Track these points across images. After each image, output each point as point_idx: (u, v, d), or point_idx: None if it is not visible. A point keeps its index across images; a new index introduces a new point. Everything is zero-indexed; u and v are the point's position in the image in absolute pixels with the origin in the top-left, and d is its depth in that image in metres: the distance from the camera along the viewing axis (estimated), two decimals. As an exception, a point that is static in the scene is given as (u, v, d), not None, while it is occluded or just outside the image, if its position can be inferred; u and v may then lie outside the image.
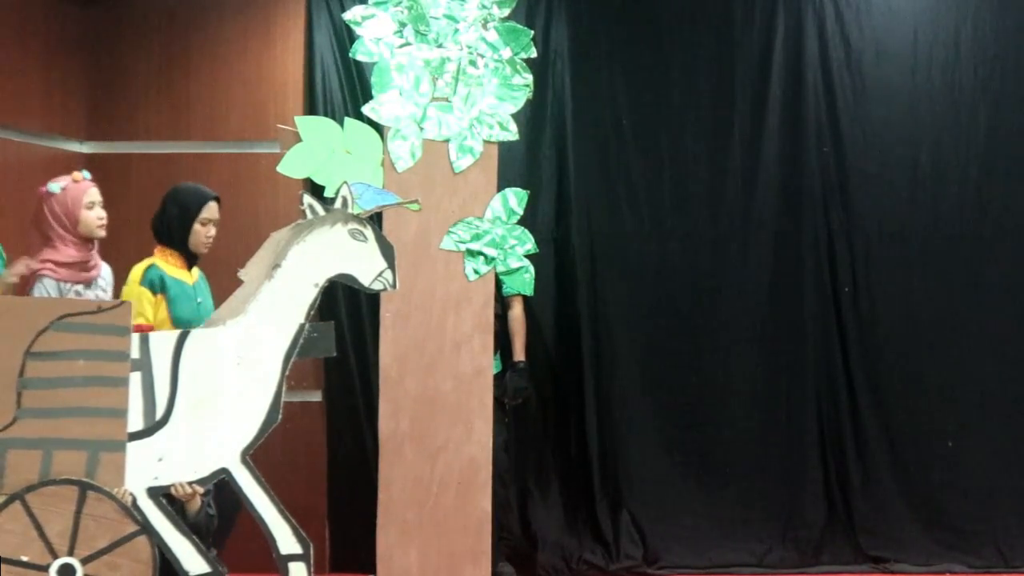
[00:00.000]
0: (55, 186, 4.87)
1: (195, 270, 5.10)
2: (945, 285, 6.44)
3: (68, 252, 4.84)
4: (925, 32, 6.47)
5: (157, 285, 4.92)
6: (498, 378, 5.79)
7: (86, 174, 4.98)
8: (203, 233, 4.99)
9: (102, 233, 4.93)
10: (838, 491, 6.41)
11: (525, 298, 5.94)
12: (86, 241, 4.89)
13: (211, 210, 5.01)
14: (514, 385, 5.89)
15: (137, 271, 4.94)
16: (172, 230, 4.98)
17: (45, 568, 3.98)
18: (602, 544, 6.37)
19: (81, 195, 4.87)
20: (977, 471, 6.39)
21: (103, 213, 4.93)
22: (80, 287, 4.87)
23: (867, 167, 6.45)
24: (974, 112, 6.45)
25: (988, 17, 6.46)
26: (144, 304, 4.84)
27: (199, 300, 5.00)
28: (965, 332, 6.44)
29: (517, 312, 6.00)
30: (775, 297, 6.46)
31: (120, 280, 5.04)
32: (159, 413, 4.17)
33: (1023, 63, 6.45)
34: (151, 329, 4.73)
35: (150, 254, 5.03)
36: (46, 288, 4.77)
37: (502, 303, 5.90)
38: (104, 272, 5.03)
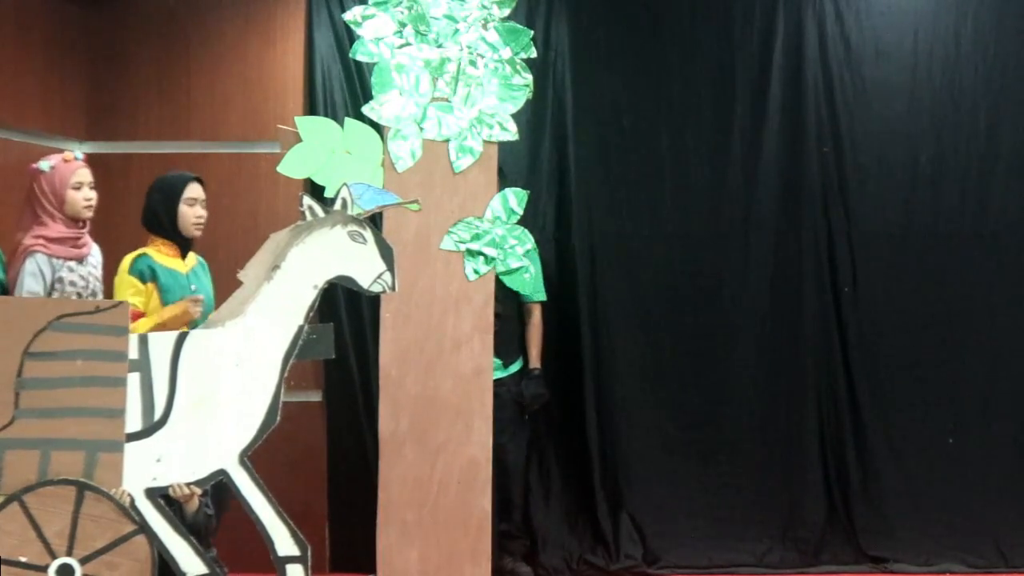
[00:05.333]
0: (45, 164, 4.89)
1: (193, 256, 5.13)
2: (945, 285, 6.44)
3: (58, 228, 4.85)
4: (925, 32, 6.46)
5: (147, 274, 4.97)
6: (507, 381, 5.85)
7: (78, 154, 4.98)
8: (191, 214, 5.00)
9: (88, 214, 4.92)
10: (838, 491, 6.41)
11: (512, 294, 5.93)
12: (75, 220, 4.90)
13: (194, 190, 5.01)
14: (531, 392, 5.95)
15: (126, 260, 5.00)
16: (159, 216, 5.01)
17: (44, 568, 3.98)
18: (602, 544, 6.36)
19: (69, 175, 4.87)
20: (977, 471, 6.39)
21: (91, 194, 4.92)
22: (72, 263, 4.87)
23: (867, 167, 6.45)
24: (974, 112, 6.44)
25: (988, 16, 6.45)
26: (127, 292, 4.92)
27: (193, 288, 5.01)
28: (965, 331, 6.44)
29: (536, 320, 6.07)
30: (775, 297, 6.45)
31: (113, 271, 5.07)
32: (157, 414, 4.17)
33: (1023, 63, 6.45)
34: (142, 315, 4.82)
35: (149, 252, 5.12)
36: (38, 263, 4.78)
37: (519, 310, 5.95)
38: (94, 251, 5.03)
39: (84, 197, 4.90)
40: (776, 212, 6.47)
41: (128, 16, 6.35)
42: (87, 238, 4.99)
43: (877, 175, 6.45)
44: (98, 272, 5.03)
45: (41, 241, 4.83)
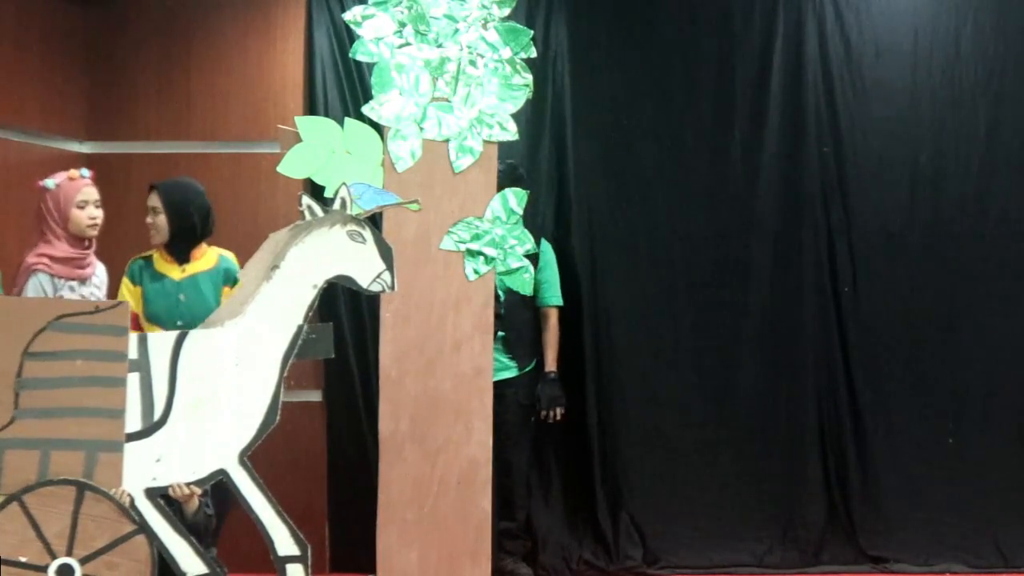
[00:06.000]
0: (51, 182, 4.90)
1: (209, 260, 5.14)
2: (945, 285, 6.44)
3: (62, 248, 4.86)
4: (925, 32, 6.46)
5: (136, 276, 5.08)
6: (515, 383, 5.86)
7: (84, 172, 4.99)
8: (84, 216, 4.94)
9: (93, 233, 4.94)
10: (838, 491, 6.41)
11: (529, 298, 5.94)
12: (80, 239, 4.90)
13: (86, 193, 4.95)
14: (548, 395, 5.97)
15: (130, 260, 5.12)
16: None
17: (44, 568, 3.98)
18: (602, 544, 6.36)
19: (73, 194, 4.88)
20: (977, 470, 6.38)
21: (96, 213, 4.93)
22: (74, 283, 4.88)
23: (867, 167, 6.45)
24: (974, 112, 6.44)
25: (988, 17, 6.45)
26: (124, 292, 5.03)
27: (181, 296, 5.02)
28: (965, 331, 6.43)
29: (552, 323, 6.08)
30: (775, 297, 6.45)
31: (117, 282, 5.14)
32: (157, 414, 4.17)
33: (1023, 63, 6.45)
34: (135, 316, 4.88)
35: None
36: (40, 282, 4.79)
37: (535, 313, 5.99)
38: (99, 271, 5.05)
39: (88, 216, 4.90)
40: (776, 212, 6.47)
41: (128, 16, 6.35)
42: (92, 258, 5.00)
43: (877, 175, 6.45)
44: (101, 292, 5.03)
45: (44, 260, 4.83)
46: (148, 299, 5.03)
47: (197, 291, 5.07)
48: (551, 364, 6.05)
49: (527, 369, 6.00)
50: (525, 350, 6.00)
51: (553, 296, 6.10)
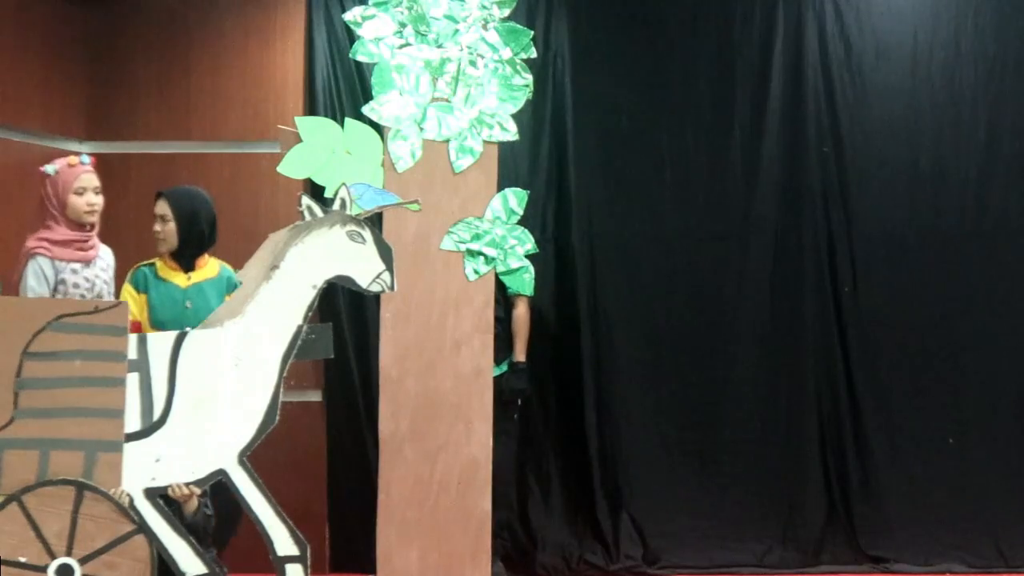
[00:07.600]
0: (51, 168, 4.90)
1: (211, 269, 5.13)
2: (945, 285, 6.44)
3: (62, 231, 4.85)
4: (925, 32, 6.46)
5: (141, 284, 5.04)
6: (499, 380, 5.81)
7: (84, 159, 4.97)
8: (82, 202, 4.91)
9: (91, 219, 4.91)
10: (838, 491, 6.42)
11: (528, 298, 5.93)
12: (79, 224, 4.89)
13: (84, 180, 4.92)
14: (510, 386, 5.87)
15: (133, 268, 5.06)
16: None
17: (43, 568, 3.98)
18: (602, 544, 6.37)
19: (72, 180, 4.87)
20: (977, 470, 6.39)
21: (95, 199, 4.91)
22: (77, 265, 4.87)
23: (867, 167, 6.45)
24: (974, 112, 6.45)
25: (988, 17, 6.46)
26: (127, 299, 4.94)
27: (188, 304, 5.01)
28: (965, 331, 6.44)
29: (521, 312, 5.97)
30: (775, 297, 6.45)
31: (124, 272, 5.11)
32: (156, 414, 4.17)
33: (1023, 63, 6.45)
34: (138, 325, 4.87)
35: (149, 252, 5.14)
36: (40, 265, 4.79)
37: (505, 303, 5.90)
38: (104, 253, 5.03)
39: (87, 202, 4.89)
40: (776, 212, 6.47)
41: (128, 16, 6.35)
42: (95, 241, 4.98)
43: (877, 175, 6.46)
44: (107, 275, 5.02)
45: (44, 244, 4.83)
46: (154, 306, 5.01)
47: (203, 299, 5.06)
48: (520, 354, 5.94)
49: (501, 365, 5.90)
50: (500, 346, 5.90)
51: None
